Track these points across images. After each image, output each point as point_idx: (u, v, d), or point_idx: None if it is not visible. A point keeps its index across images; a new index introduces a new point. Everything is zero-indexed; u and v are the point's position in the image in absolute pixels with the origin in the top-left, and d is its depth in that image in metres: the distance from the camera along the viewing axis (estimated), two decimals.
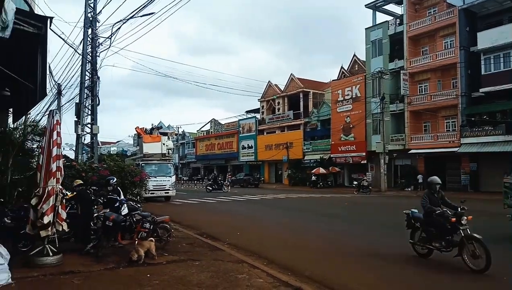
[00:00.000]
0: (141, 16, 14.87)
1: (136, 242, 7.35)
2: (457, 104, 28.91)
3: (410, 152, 31.17)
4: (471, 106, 28.78)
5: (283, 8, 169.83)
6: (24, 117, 11.34)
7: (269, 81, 49.64)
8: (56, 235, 7.50)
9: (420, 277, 6.49)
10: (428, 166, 30.89)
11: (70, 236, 7.97)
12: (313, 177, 36.44)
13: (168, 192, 21.80)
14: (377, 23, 35.51)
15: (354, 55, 39.49)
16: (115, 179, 9.22)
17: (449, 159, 29.43)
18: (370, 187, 30.05)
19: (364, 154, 35.05)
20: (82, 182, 8.44)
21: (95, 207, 8.84)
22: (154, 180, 20.15)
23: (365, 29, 35.82)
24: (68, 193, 8.55)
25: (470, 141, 27.34)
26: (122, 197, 8.69)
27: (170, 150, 24.03)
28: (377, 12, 36.03)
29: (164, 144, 22.75)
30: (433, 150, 29.56)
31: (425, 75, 31.81)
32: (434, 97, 30.59)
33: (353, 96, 36.47)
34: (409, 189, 30.57)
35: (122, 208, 8.33)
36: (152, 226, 8.06)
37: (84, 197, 7.95)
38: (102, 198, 9.63)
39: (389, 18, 35.90)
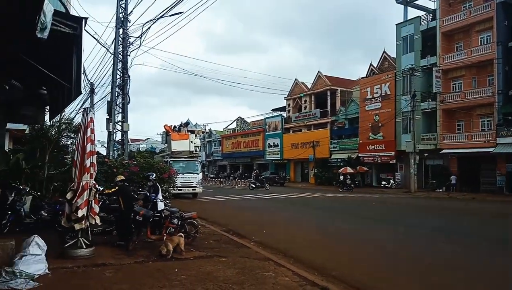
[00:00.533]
0: (170, 16, 15.16)
1: (165, 237, 7.51)
2: (493, 102, 27.62)
3: (442, 152, 30.03)
4: (508, 104, 27.37)
5: (311, 5, 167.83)
6: (59, 115, 11.84)
7: (295, 79, 49.30)
8: (100, 229, 7.91)
9: None
10: (461, 166, 29.78)
11: (113, 229, 8.28)
12: (341, 176, 35.86)
13: (195, 189, 22.13)
14: (408, 18, 34.44)
15: (384, 52, 38.49)
16: (154, 175, 9.44)
17: (484, 159, 28.15)
18: (353, 185, 31.81)
19: (393, 153, 34.12)
20: (124, 177, 8.73)
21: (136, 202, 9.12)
22: (181, 177, 20.51)
23: (396, 25, 34.82)
24: (100, 188, 8.87)
25: (506, 141, 26.00)
26: (160, 193, 8.90)
27: (197, 148, 24.38)
28: (408, 8, 34.98)
29: (191, 141, 23.10)
30: (466, 150, 28.35)
31: (459, 72, 30.55)
32: (468, 95, 29.33)
33: (383, 94, 35.59)
34: (440, 190, 29.53)
35: (158, 203, 8.57)
36: (180, 222, 8.20)
37: (125, 192, 8.23)
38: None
39: (421, 13, 34.76)
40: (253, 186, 31.39)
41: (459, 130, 30.99)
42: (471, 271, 6.96)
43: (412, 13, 35.20)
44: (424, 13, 34.56)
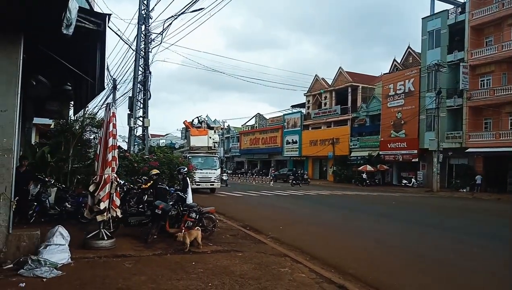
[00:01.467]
0: (191, 12, 15.27)
1: (183, 230, 7.61)
2: None
3: (467, 150, 29.06)
4: None
5: (333, 0, 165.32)
6: (83, 110, 12.18)
7: (316, 75, 48.75)
8: (136, 220, 8.28)
9: None
10: (487, 166, 28.79)
11: (149, 221, 8.53)
12: (364, 175, 35.41)
13: (213, 184, 22.28)
14: (435, 12, 33.41)
15: (409, 47, 37.49)
16: (186, 169, 9.59)
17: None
18: (309, 180, 36.35)
19: (415, 151, 33.33)
20: (158, 171, 8.96)
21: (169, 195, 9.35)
22: (200, 172, 20.70)
23: (422, 19, 33.87)
24: (122, 182, 9.09)
25: None
26: (190, 188, 9.01)
27: (216, 144, 24.50)
28: (435, 1, 33.89)
29: (210, 137, 23.21)
30: (494, 149, 27.28)
31: (488, 67, 29.45)
32: (498, 92, 28.23)
33: (406, 91, 34.76)
34: (464, 190, 28.64)
35: (188, 196, 8.72)
36: (198, 216, 8.29)
37: (158, 186, 8.45)
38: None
39: (448, 6, 33.59)
40: (294, 182, 33.53)
41: (486, 128, 29.93)
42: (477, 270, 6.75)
43: (439, 6, 34.19)
44: (452, 6, 33.37)
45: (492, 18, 29.23)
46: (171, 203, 8.75)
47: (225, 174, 35.83)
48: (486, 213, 16.49)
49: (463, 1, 32.25)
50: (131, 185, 10.27)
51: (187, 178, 9.43)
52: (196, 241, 7.20)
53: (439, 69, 29.87)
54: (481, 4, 30.59)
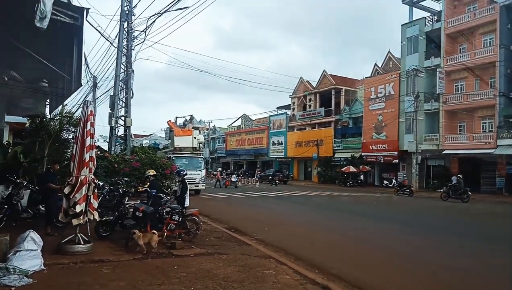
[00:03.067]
0: (175, 10, 15.01)
1: (141, 234, 7.17)
2: (495, 104, 27.62)
3: (444, 152, 29.92)
4: (509, 106, 27.40)
5: (319, 3, 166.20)
6: (61, 106, 11.70)
7: (300, 77, 49.02)
8: (133, 223, 7.98)
9: None
10: (462, 167, 29.62)
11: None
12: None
13: (198, 186, 21.71)
14: (413, 19, 34.27)
15: (389, 52, 38.28)
16: (185, 172, 9.27)
17: (484, 161, 28.14)
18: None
19: (396, 153, 33.99)
20: (154, 172, 8.64)
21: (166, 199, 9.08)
22: None
23: (401, 25, 34.63)
24: (101, 183, 8.75)
25: (507, 143, 25.90)
26: (188, 192, 8.77)
27: (201, 144, 24.07)
28: (414, 8, 34.78)
29: (195, 138, 22.73)
30: (468, 151, 28.20)
31: (462, 73, 30.40)
32: (470, 97, 29.25)
33: (386, 94, 35.42)
34: (441, 190, 29.26)
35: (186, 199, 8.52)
36: (181, 218, 8.07)
37: (155, 187, 8.26)
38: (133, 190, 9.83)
39: (426, 14, 34.54)
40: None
41: (460, 131, 30.85)
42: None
43: (418, 14, 35.05)
44: (429, 14, 34.32)
45: (465, 27, 30.17)
46: (168, 204, 8.49)
47: (234, 175, 35.59)
48: (464, 212, 16.85)
49: (439, 10, 33.18)
50: (128, 187, 9.95)
51: (185, 179, 9.18)
52: (150, 245, 6.88)
53: (417, 74, 30.68)
54: (455, 13, 31.59)
